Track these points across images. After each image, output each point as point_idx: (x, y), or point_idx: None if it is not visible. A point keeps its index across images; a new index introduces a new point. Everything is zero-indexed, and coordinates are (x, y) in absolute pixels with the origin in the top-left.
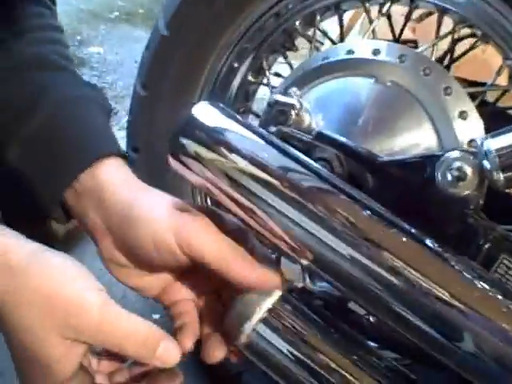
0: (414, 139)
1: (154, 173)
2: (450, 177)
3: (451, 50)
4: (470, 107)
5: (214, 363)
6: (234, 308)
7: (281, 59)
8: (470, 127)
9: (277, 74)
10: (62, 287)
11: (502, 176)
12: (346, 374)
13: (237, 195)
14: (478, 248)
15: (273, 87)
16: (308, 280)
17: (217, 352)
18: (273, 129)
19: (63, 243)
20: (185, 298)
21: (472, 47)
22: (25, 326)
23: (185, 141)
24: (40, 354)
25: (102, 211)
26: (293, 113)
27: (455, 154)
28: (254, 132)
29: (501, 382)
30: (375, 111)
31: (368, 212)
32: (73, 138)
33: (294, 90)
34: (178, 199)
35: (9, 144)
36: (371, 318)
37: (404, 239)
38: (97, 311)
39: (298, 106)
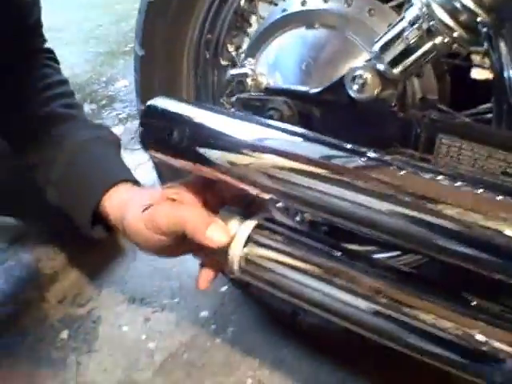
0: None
1: None
2: (355, 86)
3: None
4: None
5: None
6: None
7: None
8: None
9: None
10: None
11: (394, 71)
12: (335, 278)
13: (209, 161)
14: (417, 137)
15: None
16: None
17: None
18: (233, 99)
19: None
20: None
21: None
22: None
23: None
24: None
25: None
26: (248, 80)
27: (355, 65)
28: (204, 108)
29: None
30: (322, 56)
31: (308, 141)
32: (94, 171)
33: (248, 60)
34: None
35: (45, 191)
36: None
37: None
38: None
39: (251, 73)
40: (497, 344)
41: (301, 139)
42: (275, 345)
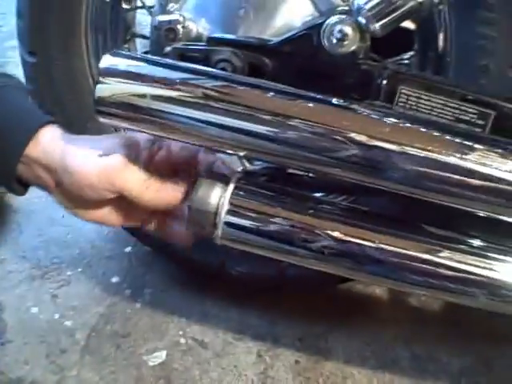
0: (294, 15)
1: None
2: (335, 40)
3: None
4: None
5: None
6: (197, 207)
7: None
8: None
9: None
10: None
11: (377, 25)
12: (314, 229)
13: (166, 120)
14: (378, 88)
15: (149, 7)
16: (247, 163)
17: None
18: (168, 49)
19: None
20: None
21: None
22: None
23: (103, 93)
24: None
25: (48, 170)
26: (179, 27)
27: (334, 19)
28: (156, 63)
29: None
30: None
31: (272, 92)
32: (11, 117)
33: (172, 5)
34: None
35: None
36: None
37: (311, 104)
38: None
39: (181, 19)
40: None
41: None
42: (197, 299)
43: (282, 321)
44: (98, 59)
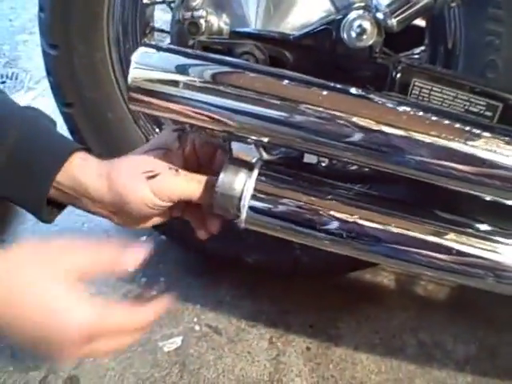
0: (312, 10)
1: None
2: (354, 34)
3: None
4: None
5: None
6: (223, 192)
7: None
8: None
9: None
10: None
11: (394, 21)
12: (333, 213)
13: (197, 108)
14: (393, 80)
15: (169, 2)
16: (264, 153)
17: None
18: (191, 42)
19: None
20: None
21: None
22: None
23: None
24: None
25: (84, 194)
26: (202, 22)
27: (353, 15)
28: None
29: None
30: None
31: (293, 81)
32: (44, 146)
33: (193, 0)
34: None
35: None
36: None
37: (328, 92)
38: None
39: (204, 14)
40: None
41: None
42: (211, 287)
43: (294, 308)
44: (119, 52)
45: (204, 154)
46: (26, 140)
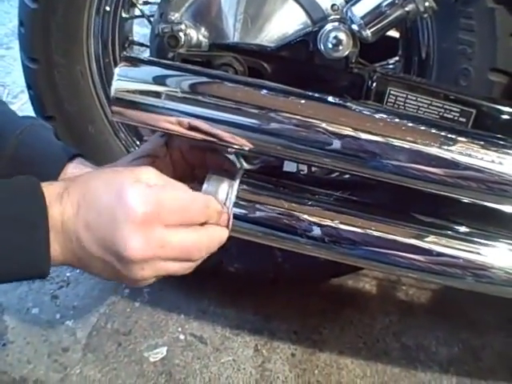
0: (289, 23)
1: None
2: (330, 45)
3: None
4: None
5: None
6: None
7: None
8: None
9: (146, 2)
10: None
11: (369, 32)
12: (314, 218)
13: (180, 118)
14: (369, 89)
15: (148, 16)
16: (244, 163)
17: None
18: (171, 54)
19: None
20: None
21: None
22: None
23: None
24: None
25: None
26: (181, 35)
27: (329, 26)
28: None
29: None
30: (250, 9)
31: (272, 91)
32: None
33: (172, 14)
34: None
35: None
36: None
37: (306, 101)
38: None
39: (183, 27)
40: None
41: None
42: (194, 297)
43: (278, 315)
44: (99, 65)
45: (193, 157)
46: (26, 147)
